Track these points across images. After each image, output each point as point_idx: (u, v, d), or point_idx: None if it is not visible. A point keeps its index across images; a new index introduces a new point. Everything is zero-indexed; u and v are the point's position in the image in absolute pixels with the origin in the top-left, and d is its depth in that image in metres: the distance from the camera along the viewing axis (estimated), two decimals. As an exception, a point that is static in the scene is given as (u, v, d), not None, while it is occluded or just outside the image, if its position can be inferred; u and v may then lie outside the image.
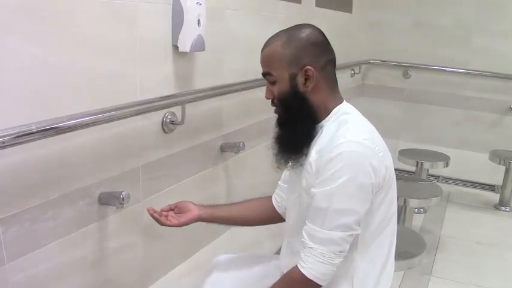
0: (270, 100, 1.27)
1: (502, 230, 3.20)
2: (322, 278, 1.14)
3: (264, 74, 1.24)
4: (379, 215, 1.20)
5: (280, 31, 1.24)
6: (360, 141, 1.13)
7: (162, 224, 1.39)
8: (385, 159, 1.18)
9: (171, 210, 1.44)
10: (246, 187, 2.30)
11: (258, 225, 1.53)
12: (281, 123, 1.28)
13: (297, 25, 1.24)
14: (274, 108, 1.28)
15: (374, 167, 1.13)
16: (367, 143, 1.14)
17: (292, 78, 1.19)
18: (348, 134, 1.14)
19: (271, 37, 1.24)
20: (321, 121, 1.23)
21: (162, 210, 1.43)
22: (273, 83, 1.22)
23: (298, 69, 1.18)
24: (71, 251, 1.36)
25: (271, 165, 1.31)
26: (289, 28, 1.24)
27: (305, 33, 1.20)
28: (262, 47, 1.25)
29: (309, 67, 1.18)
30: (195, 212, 1.41)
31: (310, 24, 1.24)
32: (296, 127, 1.22)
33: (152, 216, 1.40)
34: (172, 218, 1.40)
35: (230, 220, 1.49)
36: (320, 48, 1.22)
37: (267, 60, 1.23)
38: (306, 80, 1.19)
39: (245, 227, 1.59)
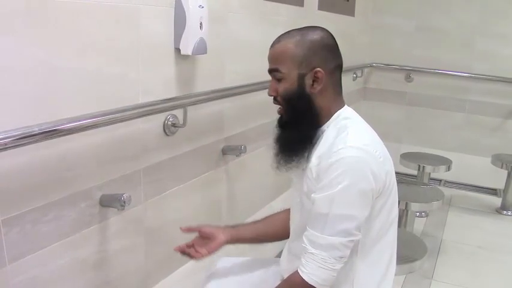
0: (273, 98, 1.25)
1: (504, 234, 3.19)
2: (322, 283, 1.13)
3: (271, 70, 1.22)
4: (379, 220, 1.20)
5: (292, 30, 1.22)
6: (360, 146, 1.12)
7: (196, 259, 1.39)
8: (385, 164, 1.17)
9: (198, 234, 1.43)
10: (247, 190, 2.30)
11: (284, 238, 1.47)
12: (283, 123, 1.26)
13: (309, 26, 1.23)
14: (276, 110, 1.27)
15: (374, 173, 1.12)
16: (367, 148, 1.13)
17: (301, 78, 1.18)
18: (347, 139, 1.13)
19: (283, 35, 1.22)
20: (322, 125, 1.23)
21: (188, 246, 1.41)
22: (279, 80, 1.21)
23: (308, 70, 1.18)
24: (72, 253, 1.36)
25: (271, 166, 1.29)
26: (301, 28, 1.22)
27: (319, 35, 1.20)
28: (271, 43, 1.23)
29: (319, 69, 1.18)
30: (221, 238, 1.40)
31: (323, 28, 1.24)
32: (299, 128, 1.21)
33: (183, 253, 1.40)
34: (201, 249, 1.39)
35: (256, 239, 1.48)
36: (331, 53, 1.22)
37: (276, 56, 1.21)
38: (313, 81, 1.19)
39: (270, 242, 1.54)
